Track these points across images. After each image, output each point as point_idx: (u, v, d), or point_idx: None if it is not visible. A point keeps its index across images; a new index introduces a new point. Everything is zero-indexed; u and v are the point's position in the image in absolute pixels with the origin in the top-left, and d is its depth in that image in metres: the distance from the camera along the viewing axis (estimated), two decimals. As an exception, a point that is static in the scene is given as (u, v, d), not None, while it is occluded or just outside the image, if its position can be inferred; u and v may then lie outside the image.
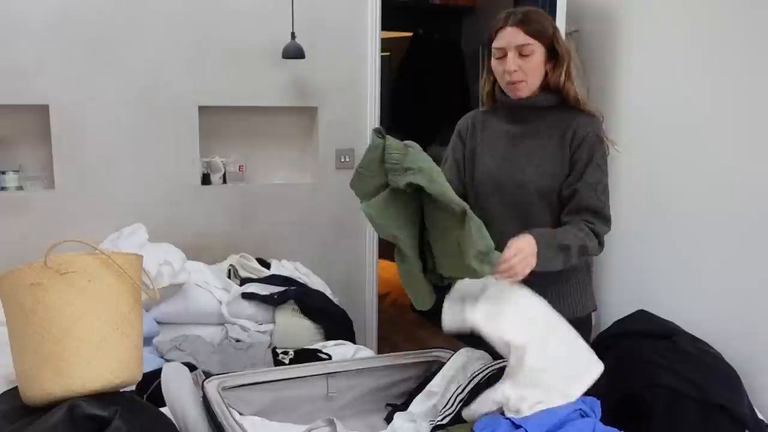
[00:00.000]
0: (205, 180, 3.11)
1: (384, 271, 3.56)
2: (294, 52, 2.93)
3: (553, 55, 1.78)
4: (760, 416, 2.12)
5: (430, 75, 5.10)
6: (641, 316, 2.47)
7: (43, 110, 2.79)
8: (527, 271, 1.56)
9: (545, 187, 1.78)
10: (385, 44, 3.62)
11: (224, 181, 3.14)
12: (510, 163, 1.83)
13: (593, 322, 2.02)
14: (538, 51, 1.75)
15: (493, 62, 1.80)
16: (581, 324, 1.78)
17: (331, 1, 3.12)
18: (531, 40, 1.73)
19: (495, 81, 1.86)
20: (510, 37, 1.73)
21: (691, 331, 2.34)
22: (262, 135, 3.25)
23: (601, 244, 1.75)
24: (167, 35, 2.90)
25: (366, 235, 3.37)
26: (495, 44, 1.77)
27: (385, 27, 3.26)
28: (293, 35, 2.95)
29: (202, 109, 3.02)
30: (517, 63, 1.74)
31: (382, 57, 3.31)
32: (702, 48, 2.40)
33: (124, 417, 1.31)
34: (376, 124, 3.29)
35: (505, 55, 1.75)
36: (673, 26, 2.52)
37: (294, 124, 3.29)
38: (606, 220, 1.77)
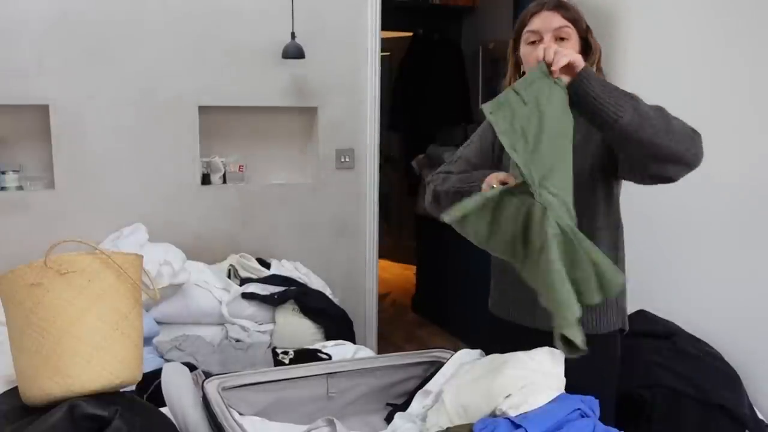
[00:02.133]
0: (205, 180, 3.11)
1: (384, 271, 3.56)
2: (294, 52, 2.93)
3: (586, 48, 1.70)
4: (760, 416, 2.12)
5: (430, 75, 5.10)
6: (641, 316, 2.47)
7: (43, 110, 2.79)
8: (568, 57, 1.39)
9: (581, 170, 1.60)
10: (385, 44, 3.62)
11: (224, 181, 3.14)
12: None
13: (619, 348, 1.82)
14: (573, 37, 1.66)
15: (525, 49, 1.68)
16: (599, 342, 1.62)
17: (331, 1, 3.12)
18: (569, 24, 1.66)
19: (522, 75, 1.69)
20: (547, 20, 1.65)
21: (691, 331, 2.34)
22: (262, 135, 3.24)
23: (695, 131, 1.54)
24: (167, 35, 2.90)
25: (366, 235, 3.37)
26: (529, 28, 1.67)
27: (385, 27, 3.26)
28: (293, 35, 2.95)
29: (202, 109, 3.02)
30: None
31: (382, 57, 3.31)
32: (702, 47, 2.40)
33: (124, 417, 1.31)
34: (376, 124, 3.29)
35: (539, 39, 1.65)
36: (673, 25, 2.52)
37: (294, 124, 3.29)
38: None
